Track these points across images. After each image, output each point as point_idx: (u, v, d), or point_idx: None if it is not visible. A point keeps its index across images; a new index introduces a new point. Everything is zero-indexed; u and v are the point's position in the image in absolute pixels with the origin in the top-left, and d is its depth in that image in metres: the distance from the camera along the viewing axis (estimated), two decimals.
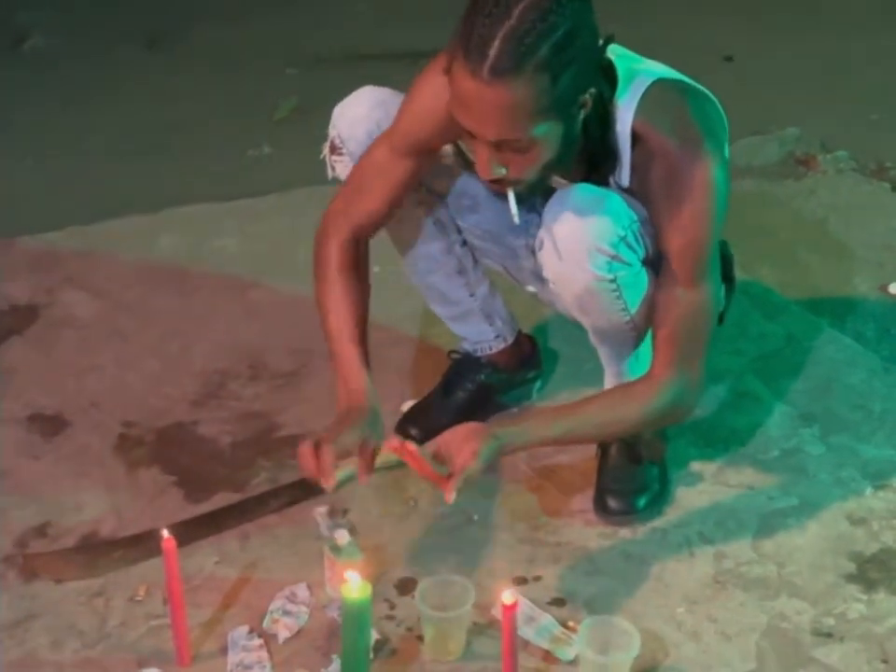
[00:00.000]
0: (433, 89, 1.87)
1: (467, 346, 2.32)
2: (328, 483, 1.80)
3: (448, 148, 2.04)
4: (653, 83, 1.83)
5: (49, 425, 2.35)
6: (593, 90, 1.76)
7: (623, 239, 1.85)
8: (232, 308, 2.69)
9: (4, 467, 2.25)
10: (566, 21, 1.67)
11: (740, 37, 4.11)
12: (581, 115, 1.77)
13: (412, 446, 1.81)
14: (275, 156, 3.44)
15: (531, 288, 2.18)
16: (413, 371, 2.43)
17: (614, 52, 1.84)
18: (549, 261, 1.90)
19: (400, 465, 2.18)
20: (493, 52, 1.64)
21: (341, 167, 2.09)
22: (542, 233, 1.89)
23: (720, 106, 1.91)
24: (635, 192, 1.89)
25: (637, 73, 1.84)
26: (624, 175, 1.87)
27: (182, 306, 2.69)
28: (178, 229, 2.98)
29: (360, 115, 2.04)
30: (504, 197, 1.90)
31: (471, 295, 2.22)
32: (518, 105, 1.67)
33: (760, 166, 3.28)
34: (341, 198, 2.01)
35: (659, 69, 1.87)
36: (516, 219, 1.84)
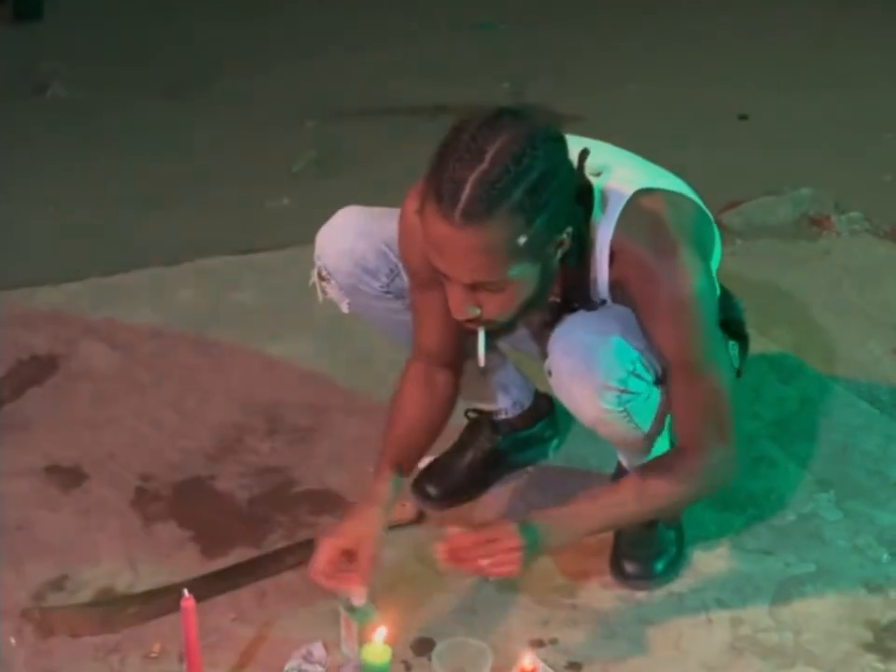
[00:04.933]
0: (414, 229, 1.83)
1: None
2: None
3: None
4: (629, 200, 1.81)
5: (67, 477, 2.36)
6: (570, 229, 1.74)
7: (631, 373, 1.84)
8: (249, 362, 2.70)
9: (21, 519, 2.25)
10: (539, 164, 1.65)
11: (755, 97, 4.16)
12: (559, 253, 1.76)
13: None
14: (294, 208, 3.47)
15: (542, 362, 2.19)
16: None
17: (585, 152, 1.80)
18: (559, 392, 1.91)
19: (415, 523, 2.22)
20: (465, 197, 1.62)
21: (332, 291, 2.11)
22: (550, 364, 1.88)
23: (700, 204, 1.91)
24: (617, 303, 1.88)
25: (611, 193, 1.82)
26: (602, 293, 1.87)
27: (200, 360, 2.71)
28: (197, 282, 3.01)
29: (344, 249, 2.05)
30: None
31: (483, 374, 2.23)
32: (491, 248, 1.66)
33: (774, 226, 3.30)
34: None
35: (631, 177, 1.84)
36: (481, 362, 1.84)
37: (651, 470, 1.91)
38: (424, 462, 2.34)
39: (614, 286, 1.85)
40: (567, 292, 1.88)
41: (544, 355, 2.05)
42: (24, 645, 1.99)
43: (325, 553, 1.89)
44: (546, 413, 2.37)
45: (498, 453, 2.32)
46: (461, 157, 1.63)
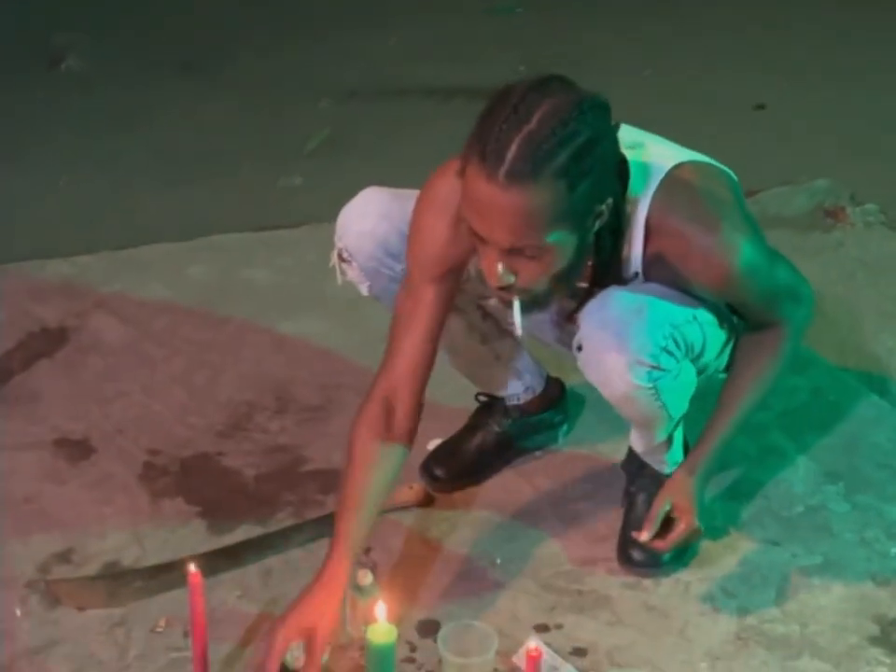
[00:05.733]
0: (431, 220, 1.87)
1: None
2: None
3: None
4: (667, 174, 1.82)
5: (75, 450, 2.36)
6: (610, 200, 1.74)
7: (663, 349, 1.84)
8: (260, 340, 2.70)
9: (29, 491, 2.25)
10: (586, 130, 1.64)
11: (772, 86, 4.14)
12: (597, 225, 1.75)
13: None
14: (307, 187, 3.46)
15: (558, 350, 2.17)
16: (440, 410, 2.42)
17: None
18: (588, 367, 1.89)
19: (422, 505, 2.22)
20: (510, 156, 1.61)
21: (352, 273, 2.08)
22: (582, 338, 1.88)
23: (731, 174, 1.91)
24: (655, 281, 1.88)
25: (648, 167, 1.82)
26: (637, 274, 1.87)
27: (210, 336, 2.70)
28: (209, 258, 3.00)
29: (366, 230, 2.02)
30: None
31: (497, 358, 2.22)
32: (533, 211, 1.64)
33: (788, 216, 3.28)
34: (381, 365, 1.94)
35: (666, 152, 1.86)
36: (518, 331, 1.81)
37: (751, 358, 1.97)
38: (433, 444, 2.34)
39: (651, 260, 1.84)
40: (598, 271, 1.87)
41: (563, 342, 2.05)
42: (30, 615, 1.99)
43: (276, 647, 1.76)
44: (557, 398, 2.37)
45: (507, 437, 2.31)
46: (508, 118, 1.62)
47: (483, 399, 2.34)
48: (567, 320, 1.98)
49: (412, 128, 3.76)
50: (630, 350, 1.83)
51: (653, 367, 1.84)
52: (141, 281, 2.89)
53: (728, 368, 2.04)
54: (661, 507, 1.96)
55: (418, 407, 1.95)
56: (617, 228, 1.81)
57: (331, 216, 3.04)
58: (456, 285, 1.93)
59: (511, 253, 1.69)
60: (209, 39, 4.48)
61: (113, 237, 3.10)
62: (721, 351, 2.00)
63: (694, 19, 4.80)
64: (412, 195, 1.95)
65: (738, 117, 3.96)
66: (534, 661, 1.64)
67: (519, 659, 1.88)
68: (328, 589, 1.80)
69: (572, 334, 1.93)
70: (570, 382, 2.43)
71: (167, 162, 3.57)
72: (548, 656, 1.89)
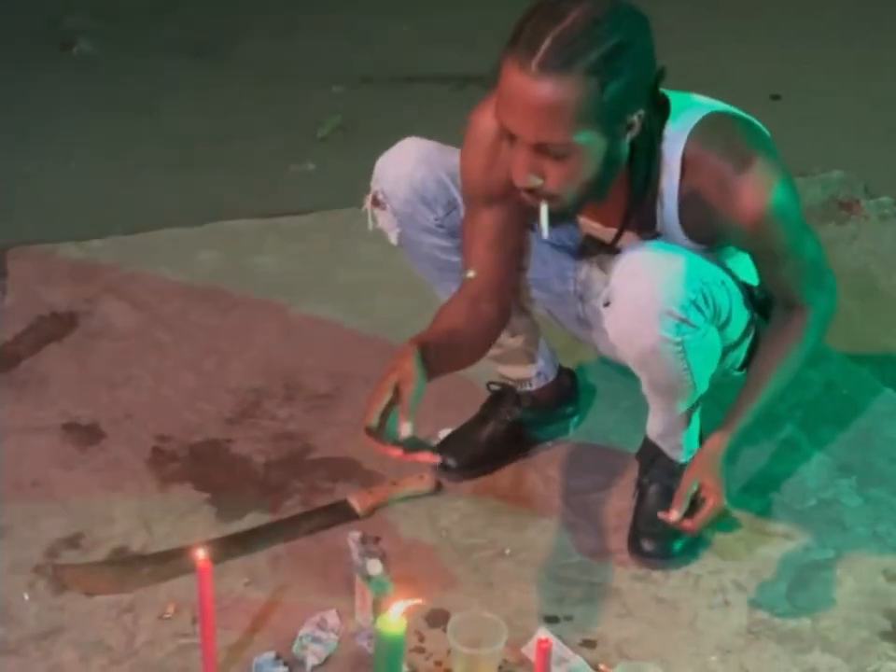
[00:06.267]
0: (470, 147, 1.93)
1: (506, 380, 2.31)
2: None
3: None
4: (706, 115, 1.83)
5: (84, 434, 2.35)
6: (642, 112, 1.75)
7: (693, 302, 1.84)
8: (270, 327, 2.69)
9: (38, 475, 2.25)
10: (620, 33, 1.68)
11: (788, 76, 4.11)
12: (628, 138, 1.76)
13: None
14: (318, 173, 3.45)
15: (574, 332, 2.17)
16: (452, 399, 2.41)
17: (668, 92, 1.84)
18: (615, 319, 1.88)
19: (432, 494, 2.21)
20: (543, 48, 1.66)
21: (383, 219, 2.08)
22: (610, 290, 1.87)
23: (769, 135, 1.91)
24: (688, 227, 1.87)
25: (691, 104, 1.85)
26: (670, 213, 1.86)
27: (220, 322, 2.69)
28: (219, 244, 2.99)
29: (403, 174, 2.03)
30: (550, 244, 1.91)
31: (512, 336, 2.21)
32: (562, 104, 1.67)
33: (802, 208, 3.25)
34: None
35: (713, 103, 1.88)
36: (545, 234, 1.81)
37: (774, 346, 1.95)
38: (443, 433, 2.33)
39: (686, 196, 1.84)
40: (632, 200, 1.86)
41: (583, 318, 2.03)
42: (37, 600, 1.99)
43: (372, 400, 1.85)
44: (568, 389, 2.35)
45: (518, 426, 2.30)
46: (545, 15, 1.68)
47: (494, 387, 2.32)
48: (608, 252, 1.97)
49: (424, 115, 3.73)
50: (660, 299, 1.82)
51: (682, 320, 1.83)
52: (151, 266, 2.87)
53: (745, 366, 2.03)
54: (688, 487, 1.92)
55: (503, 308, 2.03)
56: (651, 150, 1.81)
57: (343, 202, 3.06)
58: (512, 210, 1.93)
59: (539, 151, 1.71)
60: (221, 23, 4.46)
61: (123, 221, 3.08)
62: (742, 337, 1.99)
63: (709, 6, 4.77)
64: (453, 149, 2.00)
65: (753, 107, 3.90)
66: (543, 652, 1.64)
67: (528, 650, 1.87)
68: (400, 357, 1.85)
69: (594, 309, 1.93)
70: (582, 372, 2.43)
71: (178, 147, 3.55)
72: (557, 648, 1.88)
